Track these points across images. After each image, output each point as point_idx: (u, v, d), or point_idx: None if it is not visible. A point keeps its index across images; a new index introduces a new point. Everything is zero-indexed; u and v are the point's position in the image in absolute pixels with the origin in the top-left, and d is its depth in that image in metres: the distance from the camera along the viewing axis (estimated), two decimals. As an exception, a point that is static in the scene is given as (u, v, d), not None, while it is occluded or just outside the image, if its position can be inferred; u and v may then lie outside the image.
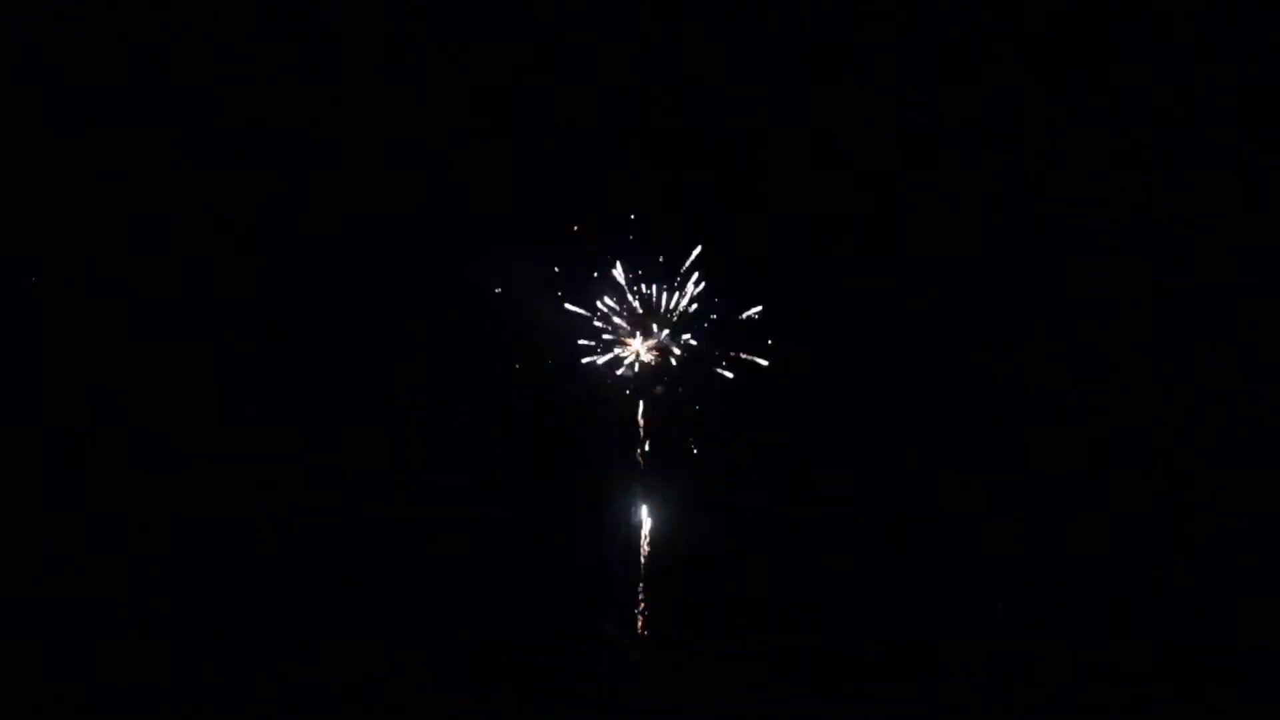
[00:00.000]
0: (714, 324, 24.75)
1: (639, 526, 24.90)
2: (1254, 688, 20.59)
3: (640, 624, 24.55)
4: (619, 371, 24.70)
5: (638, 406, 25.03)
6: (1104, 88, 23.54)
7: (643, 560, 24.84)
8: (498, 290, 24.22)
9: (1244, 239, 23.27)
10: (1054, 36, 23.41)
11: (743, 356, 24.49)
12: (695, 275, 24.83)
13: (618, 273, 24.58)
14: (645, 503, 24.90)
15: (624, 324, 24.68)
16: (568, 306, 24.48)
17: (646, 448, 25.05)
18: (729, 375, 24.50)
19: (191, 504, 23.13)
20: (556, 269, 24.25)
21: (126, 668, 21.13)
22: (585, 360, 24.58)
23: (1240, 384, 23.25)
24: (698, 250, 24.67)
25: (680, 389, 24.80)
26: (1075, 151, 23.97)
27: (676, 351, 24.63)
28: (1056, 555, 23.52)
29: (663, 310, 24.73)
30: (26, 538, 22.09)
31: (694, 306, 24.86)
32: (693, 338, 24.76)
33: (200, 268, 23.71)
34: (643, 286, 24.68)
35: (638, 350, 24.67)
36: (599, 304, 24.76)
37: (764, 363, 24.36)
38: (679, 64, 24.28)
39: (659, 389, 24.72)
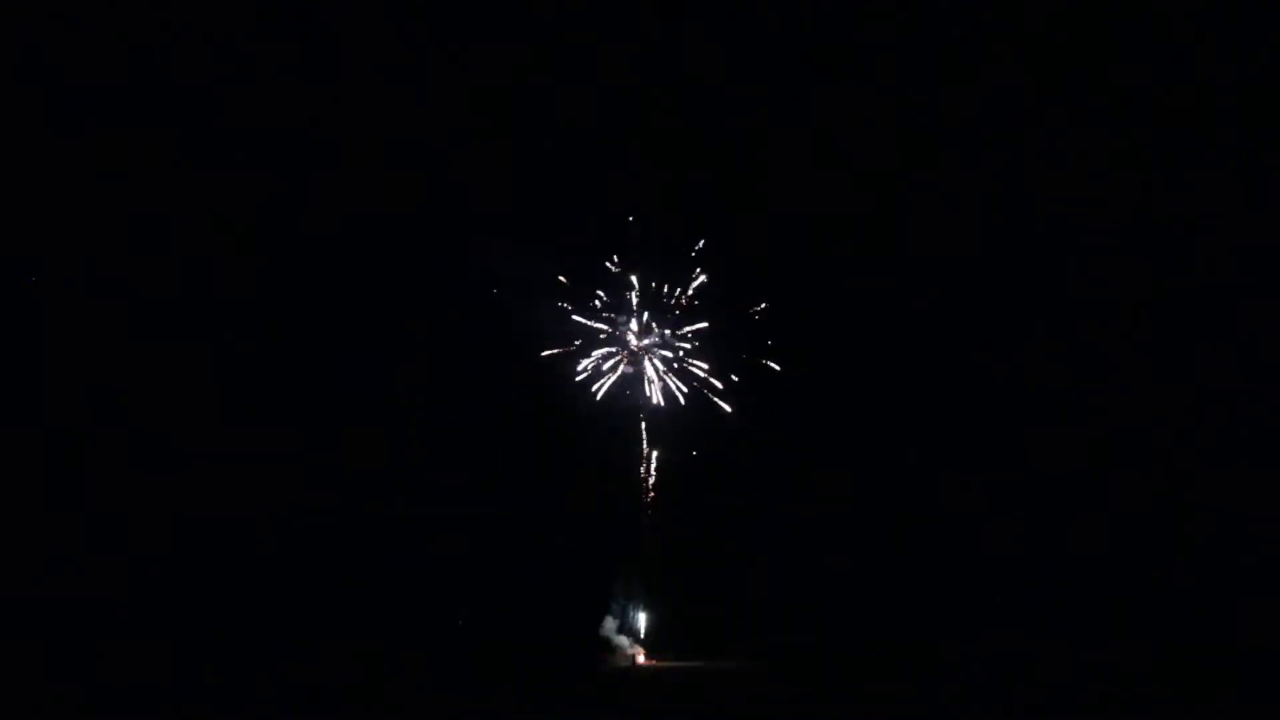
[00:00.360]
0: (715, 324, 24.72)
1: (640, 524, 24.90)
2: (1254, 688, 20.54)
3: (641, 624, 24.49)
4: (616, 374, 24.69)
5: (637, 404, 25.01)
6: (1104, 88, 23.52)
7: (643, 553, 24.85)
8: (495, 291, 24.25)
9: (1244, 239, 23.24)
10: (1054, 37, 23.38)
11: (755, 361, 24.46)
12: (696, 271, 24.79)
13: (614, 267, 24.56)
14: (646, 498, 24.91)
15: (624, 323, 24.65)
16: (563, 306, 24.45)
17: (645, 444, 25.04)
18: (734, 379, 24.51)
19: (191, 504, 23.11)
20: (561, 278, 24.34)
21: (126, 668, 21.09)
22: (586, 361, 24.56)
23: (1240, 384, 23.23)
24: (700, 245, 24.65)
25: (680, 397, 24.77)
26: (1075, 151, 23.96)
27: (681, 347, 24.60)
28: (1056, 555, 23.50)
29: (665, 303, 24.75)
30: (26, 538, 22.06)
31: (696, 300, 24.82)
32: (694, 338, 24.72)
33: (200, 268, 23.71)
34: (636, 292, 24.64)
35: (636, 348, 24.64)
36: (597, 302, 24.72)
37: (776, 367, 24.37)
38: (679, 64, 24.27)
39: (655, 393, 24.68)
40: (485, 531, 23.90)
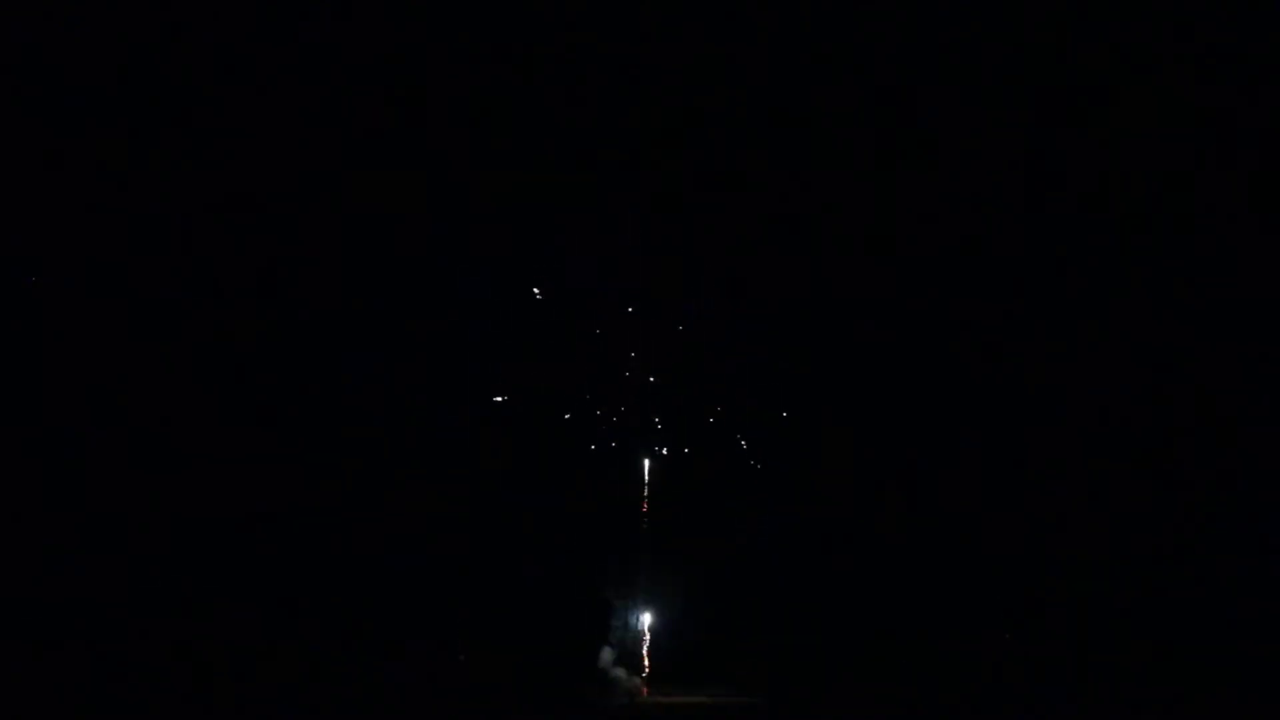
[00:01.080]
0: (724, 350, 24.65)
1: (641, 526, 24.92)
2: (1254, 688, 20.59)
3: (644, 653, 24.34)
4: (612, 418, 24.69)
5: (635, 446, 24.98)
6: (1105, 85, 23.55)
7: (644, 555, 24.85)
8: (488, 298, 24.29)
9: (1245, 238, 23.27)
10: (1054, 35, 23.42)
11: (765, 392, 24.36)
12: (701, 293, 24.74)
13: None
14: (646, 498, 24.94)
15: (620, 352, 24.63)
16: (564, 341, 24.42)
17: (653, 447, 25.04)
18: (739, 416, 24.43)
19: (191, 504, 23.11)
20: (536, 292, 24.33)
21: (127, 668, 21.12)
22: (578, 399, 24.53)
23: (1241, 383, 23.26)
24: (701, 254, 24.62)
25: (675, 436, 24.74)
26: (1075, 151, 23.99)
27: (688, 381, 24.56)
28: (1056, 555, 23.52)
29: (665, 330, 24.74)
30: (26, 538, 22.08)
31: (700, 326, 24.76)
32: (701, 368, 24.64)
33: (200, 268, 23.72)
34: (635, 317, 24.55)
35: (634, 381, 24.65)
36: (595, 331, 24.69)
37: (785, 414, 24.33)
38: (679, 65, 24.30)
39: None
40: (485, 531, 23.93)
